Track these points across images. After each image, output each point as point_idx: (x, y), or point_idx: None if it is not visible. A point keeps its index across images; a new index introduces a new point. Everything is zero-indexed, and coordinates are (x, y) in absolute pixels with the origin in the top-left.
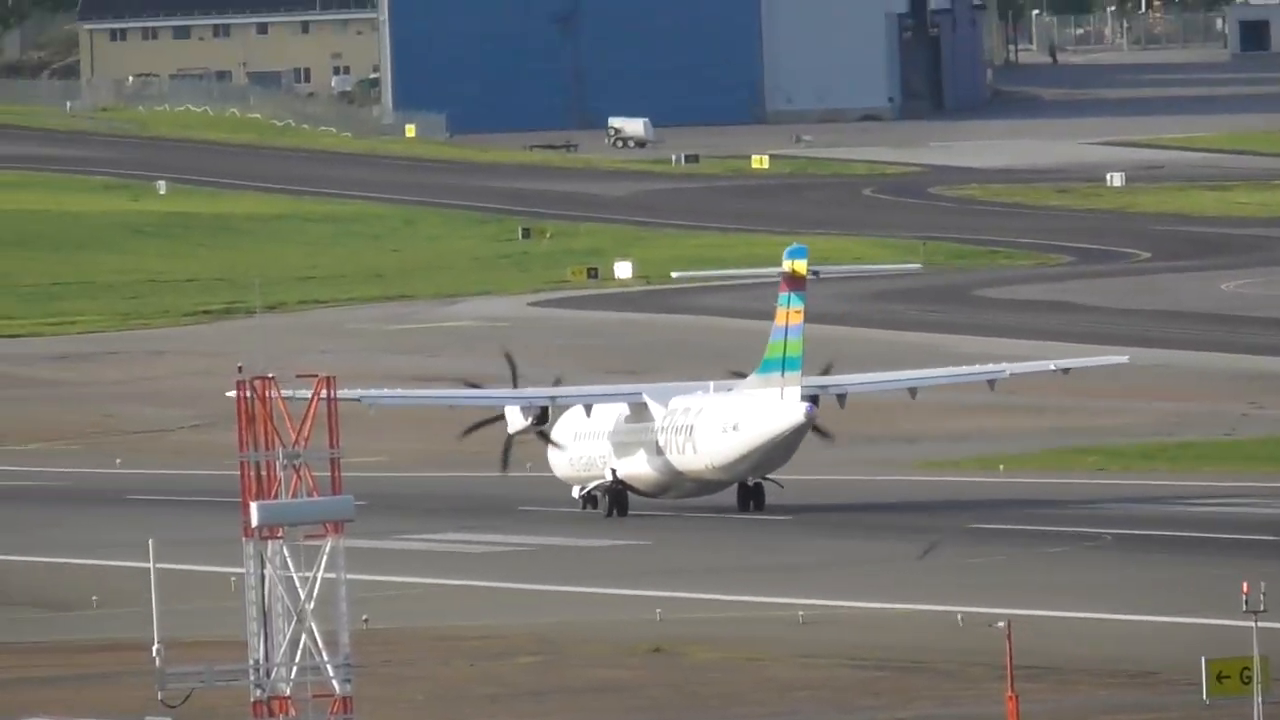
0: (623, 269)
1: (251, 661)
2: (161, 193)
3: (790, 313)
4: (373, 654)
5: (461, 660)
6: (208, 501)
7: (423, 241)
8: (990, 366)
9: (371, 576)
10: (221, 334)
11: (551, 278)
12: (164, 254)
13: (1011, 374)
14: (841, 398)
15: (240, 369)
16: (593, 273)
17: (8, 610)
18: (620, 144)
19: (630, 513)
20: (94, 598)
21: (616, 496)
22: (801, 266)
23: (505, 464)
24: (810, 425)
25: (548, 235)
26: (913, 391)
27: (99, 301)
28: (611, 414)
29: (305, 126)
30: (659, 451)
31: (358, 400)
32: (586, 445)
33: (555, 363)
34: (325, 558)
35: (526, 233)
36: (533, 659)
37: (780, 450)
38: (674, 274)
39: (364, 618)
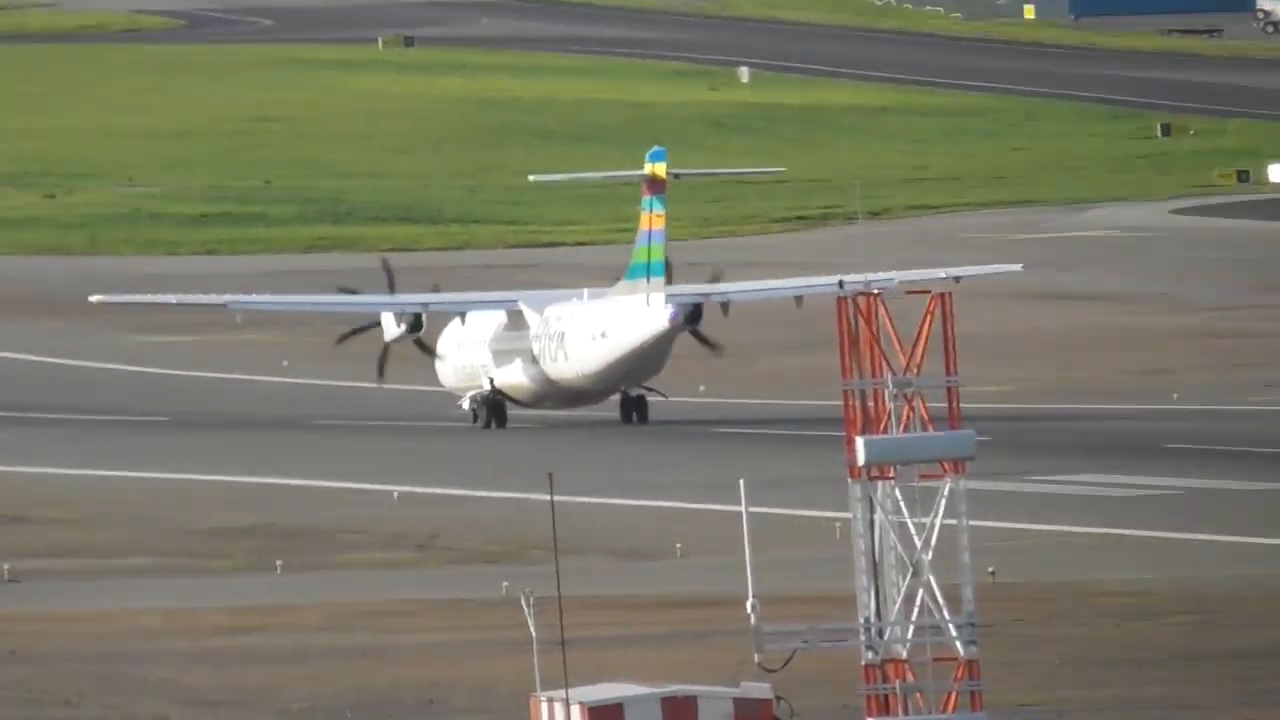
0: (1278, 172)
1: (861, 620)
2: (744, 81)
3: (653, 217)
4: (1000, 612)
5: (1103, 620)
6: (806, 436)
7: (1046, 139)
8: (880, 275)
9: (997, 523)
10: (817, 243)
11: (1197, 181)
12: (748, 151)
13: (901, 282)
14: (725, 305)
15: (841, 284)
16: (1243, 176)
17: (580, 559)
18: (1270, 29)
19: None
20: (677, 545)
21: (494, 407)
22: (661, 170)
23: (381, 373)
24: (676, 330)
25: (1191, 132)
26: (798, 300)
27: (674, 205)
28: (492, 322)
29: (909, 6)
30: (534, 360)
31: (223, 306)
32: (467, 354)
33: (1207, 277)
34: (944, 501)
35: (1166, 129)
36: (1185, 619)
37: (650, 357)
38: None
39: (989, 570)
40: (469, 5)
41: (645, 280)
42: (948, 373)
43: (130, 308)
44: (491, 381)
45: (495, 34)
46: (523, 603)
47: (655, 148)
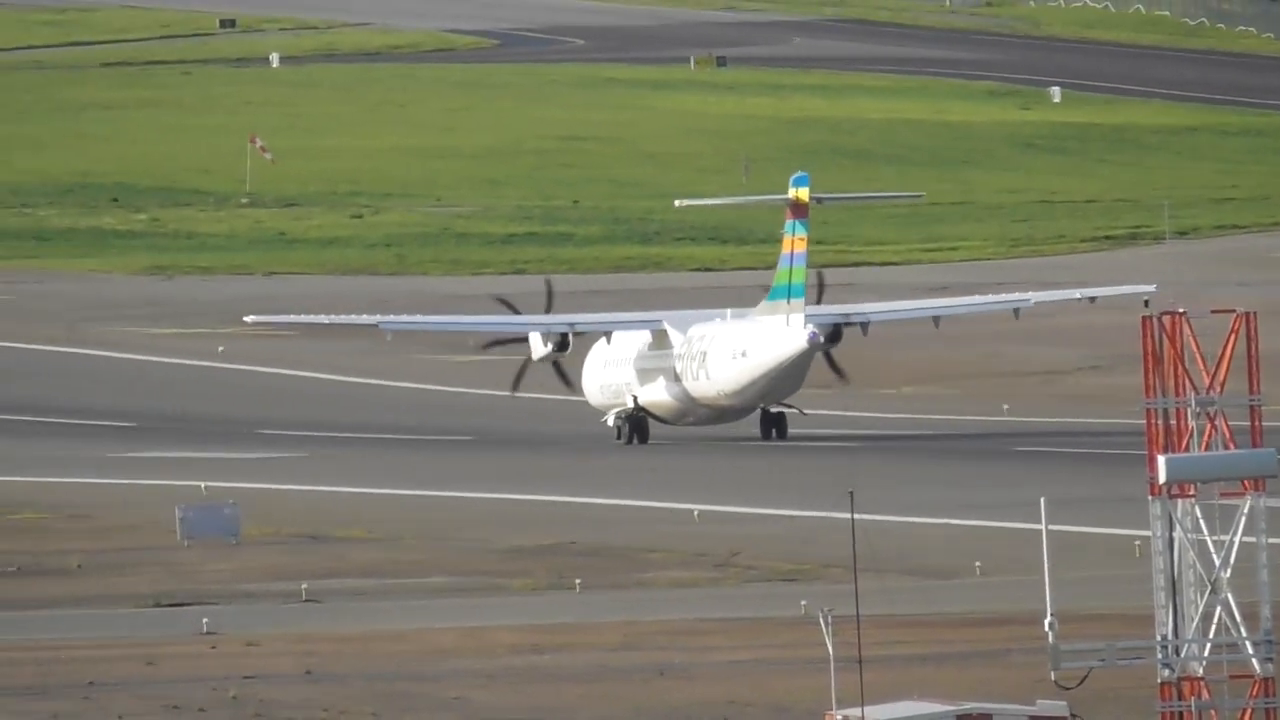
0: None
1: (1159, 637)
2: (1055, 100)
3: (795, 240)
4: None
5: None
6: (1107, 454)
7: None
8: (1015, 295)
9: None
10: (1125, 262)
11: None
12: (1058, 171)
13: (1037, 302)
14: (864, 326)
15: (1146, 303)
16: None
17: (879, 578)
18: None
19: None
20: (977, 564)
21: (637, 424)
22: (804, 194)
23: (516, 385)
24: (815, 350)
25: None
26: (936, 320)
27: (983, 225)
28: (636, 341)
29: (1220, 26)
30: (677, 379)
31: (374, 326)
32: (613, 372)
33: None
34: (1244, 519)
35: None
36: None
37: (788, 376)
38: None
39: None
40: (781, 25)
41: (786, 301)
42: (1251, 392)
43: (418, 330)
44: (635, 399)
45: (807, 54)
46: (821, 621)
47: (799, 173)
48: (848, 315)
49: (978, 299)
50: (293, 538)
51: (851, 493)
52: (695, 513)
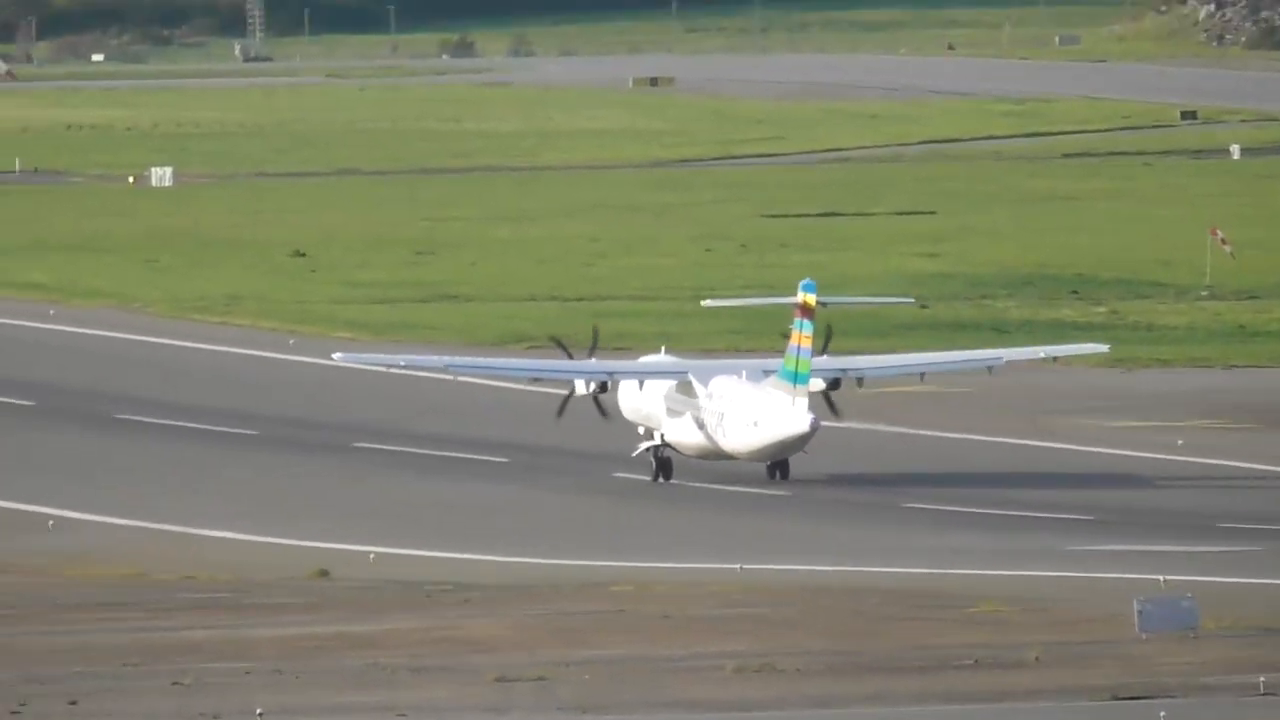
0: None
1: None
2: None
3: (802, 336)
4: None
5: None
6: None
7: None
8: (989, 353)
9: None
10: None
11: None
12: None
13: (1007, 361)
14: (859, 380)
15: None
16: None
17: None
18: None
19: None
20: None
21: (663, 463)
22: (811, 299)
23: (560, 413)
24: (815, 432)
25: None
26: (921, 375)
27: None
28: (667, 380)
29: None
30: (700, 426)
31: (443, 369)
32: (645, 400)
33: None
34: None
35: None
36: None
37: (793, 446)
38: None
39: None
40: None
41: (793, 385)
42: None
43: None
44: (662, 436)
45: None
46: None
47: (806, 280)
48: (845, 370)
49: (957, 356)
50: (1252, 631)
51: None
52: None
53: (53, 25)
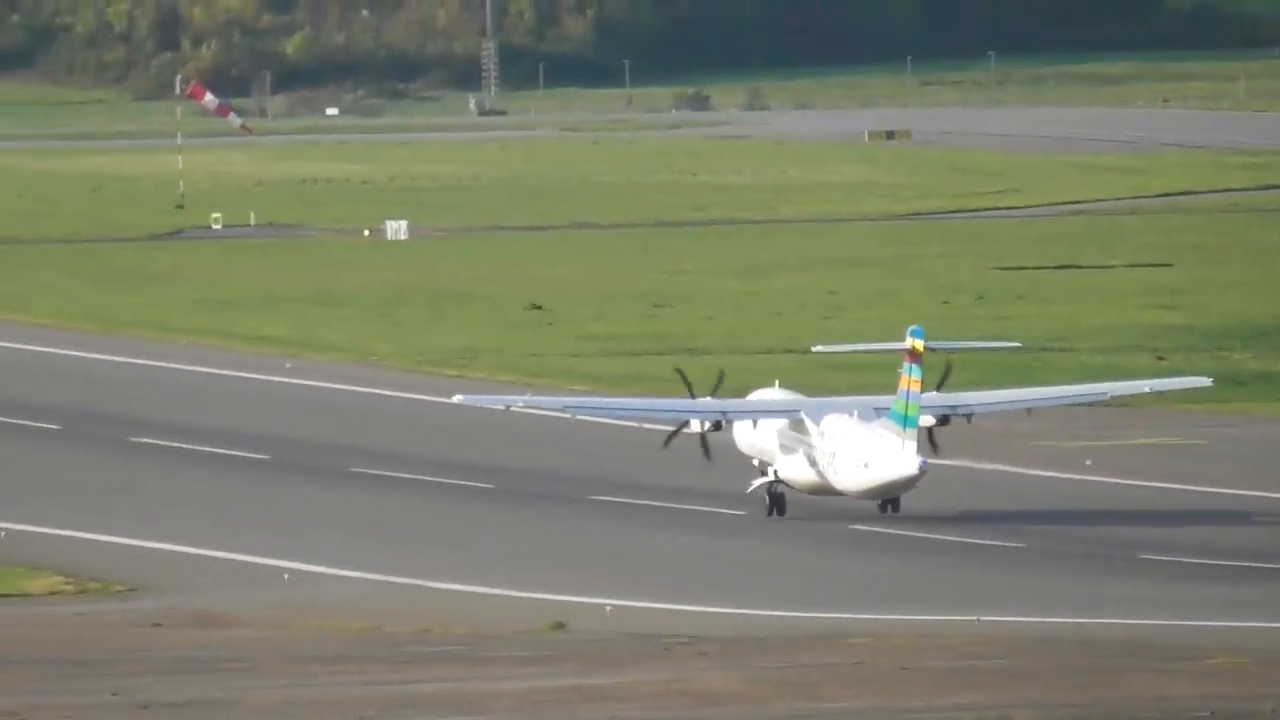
0: None
1: None
2: None
3: (911, 381)
4: None
5: None
6: None
7: None
8: (1093, 388)
9: None
10: None
11: None
12: None
13: (1111, 395)
14: (969, 416)
15: None
16: None
17: None
18: None
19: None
20: None
21: (776, 499)
22: (919, 345)
23: (667, 443)
24: (923, 475)
25: None
26: (1028, 411)
27: None
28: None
29: None
30: (812, 464)
31: (562, 410)
32: (760, 436)
33: None
34: None
35: None
36: None
37: (901, 488)
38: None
39: None
40: None
41: (903, 428)
42: None
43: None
44: (775, 472)
45: None
46: None
47: (914, 326)
48: (955, 406)
49: (1064, 391)
50: None
51: None
52: None
53: (287, 79)
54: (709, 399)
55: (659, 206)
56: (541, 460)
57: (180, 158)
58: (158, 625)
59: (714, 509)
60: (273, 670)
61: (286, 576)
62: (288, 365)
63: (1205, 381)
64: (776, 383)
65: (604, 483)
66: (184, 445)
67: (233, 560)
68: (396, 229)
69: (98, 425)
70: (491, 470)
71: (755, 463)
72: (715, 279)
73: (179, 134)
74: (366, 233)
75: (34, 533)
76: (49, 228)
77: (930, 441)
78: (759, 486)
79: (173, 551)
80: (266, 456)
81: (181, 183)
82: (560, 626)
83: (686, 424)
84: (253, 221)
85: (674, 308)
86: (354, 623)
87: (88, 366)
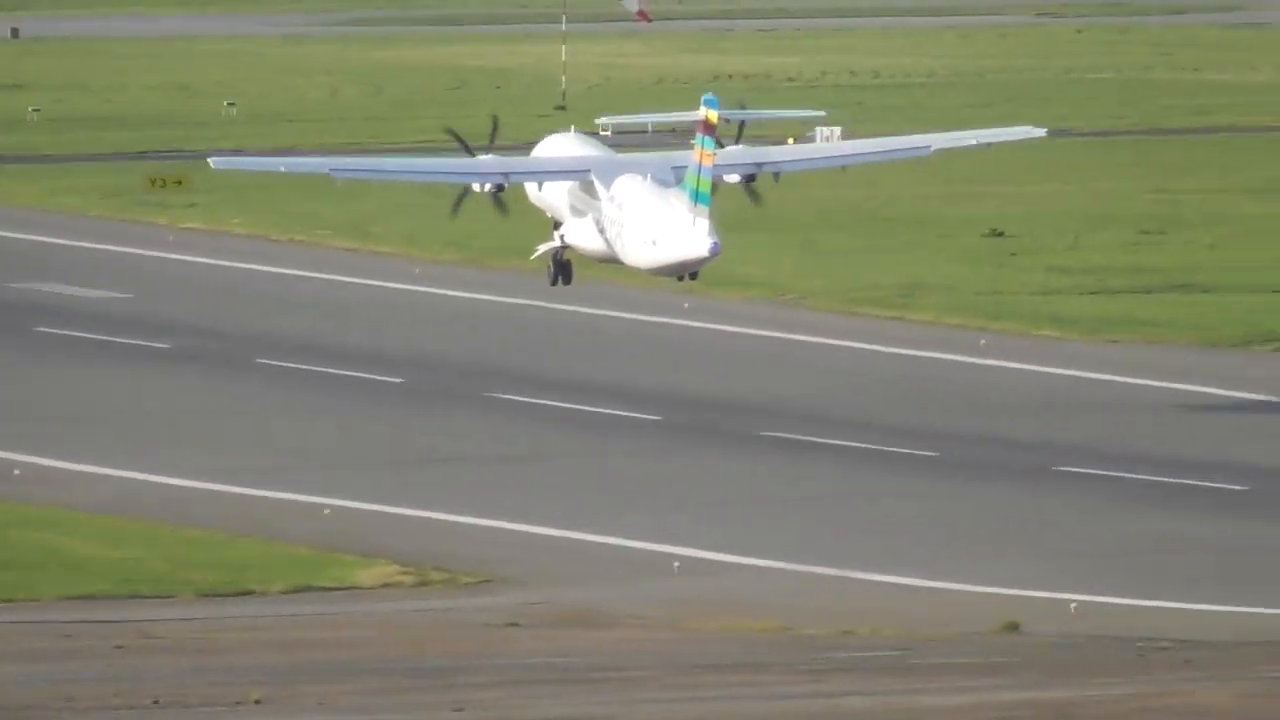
0: None
1: None
2: None
3: (704, 153)
4: None
5: None
6: None
7: None
8: (916, 139)
9: None
10: None
11: None
12: None
13: (935, 149)
14: (776, 175)
15: None
16: None
17: None
18: None
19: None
20: None
21: (562, 267)
22: (713, 115)
23: (455, 210)
24: (713, 258)
25: None
26: (843, 167)
27: None
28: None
29: None
30: (600, 231)
31: (327, 174)
32: (552, 191)
33: None
34: None
35: None
36: None
37: (689, 266)
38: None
39: None
40: None
41: (694, 204)
42: None
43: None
44: (562, 237)
45: None
46: None
47: (708, 95)
48: (761, 163)
49: (882, 145)
50: None
51: None
52: None
53: None
54: (489, 157)
55: (1155, 111)
56: (992, 423)
57: (564, 48)
58: (514, 625)
59: (1207, 483)
60: (656, 682)
61: (676, 565)
62: (685, 305)
63: (1039, 131)
64: (573, 128)
65: (1070, 450)
66: (556, 403)
67: (609, 545)
68: (829, 136)
69: (449, 377)
70: (937, 436)
71: (541, 249)
72: (1222, 199)
73: (563, 19)
74: (791, 141)
75: (366, 511)
76: (400, 134)
77: (750, 195)
78: (544, 252)
79: (534, 534)
80: (658, 417)
81: (563, 78)
82: (1014, 627)
83: (469, 189)
84: (650, 129)
85: (1169, 235)
86: (760, 622)
87: (451, 304)
